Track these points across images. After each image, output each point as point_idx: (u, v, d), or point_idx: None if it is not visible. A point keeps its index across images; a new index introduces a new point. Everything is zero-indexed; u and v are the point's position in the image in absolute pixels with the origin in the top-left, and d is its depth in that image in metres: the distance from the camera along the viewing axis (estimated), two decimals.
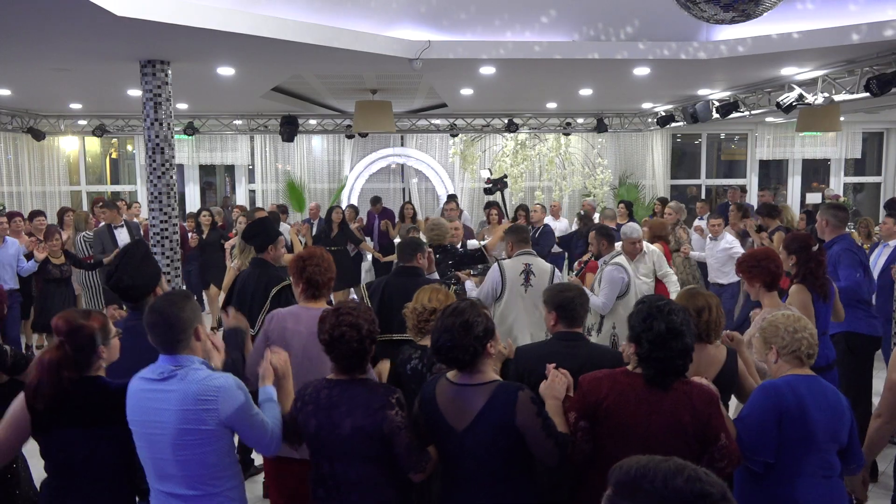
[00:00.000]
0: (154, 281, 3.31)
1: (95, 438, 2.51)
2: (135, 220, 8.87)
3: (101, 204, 8.38)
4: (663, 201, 9.89)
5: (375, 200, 10.65)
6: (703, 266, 7.62)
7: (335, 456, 2.53)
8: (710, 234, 7.29)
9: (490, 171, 11.06)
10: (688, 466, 1.22)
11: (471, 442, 2.44)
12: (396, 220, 10.28)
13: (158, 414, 2.41)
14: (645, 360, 2.44)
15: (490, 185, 8.94)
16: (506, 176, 9.46)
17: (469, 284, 5.21)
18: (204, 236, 8.91)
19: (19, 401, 2.54)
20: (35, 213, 8.13)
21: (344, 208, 9.53)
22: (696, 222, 8.49)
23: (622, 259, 5.14)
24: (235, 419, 2.45)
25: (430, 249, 4.72)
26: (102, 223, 7.84)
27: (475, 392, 2.48)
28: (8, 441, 2.54)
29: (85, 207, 12.38)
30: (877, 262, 6.14)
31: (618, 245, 5.60)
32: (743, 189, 13.49)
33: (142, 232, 7.84)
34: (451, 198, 10.35)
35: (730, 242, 7.14)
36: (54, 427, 2.51)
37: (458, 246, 6.00)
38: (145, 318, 2.53)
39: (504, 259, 4.95)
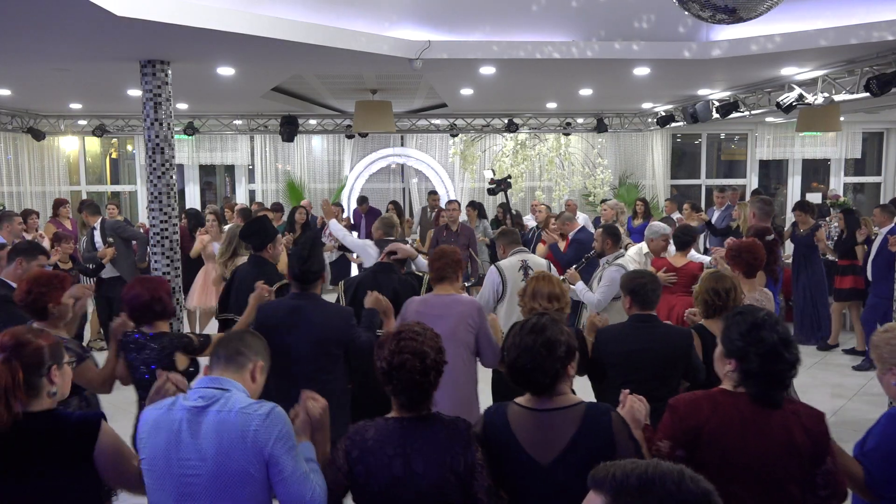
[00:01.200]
0: (323, 268, 3.70)
1: (28, 491, 2.04)
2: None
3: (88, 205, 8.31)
4: (676, 200, 10.29)
5: (361, 200, 10.70)
6: None
7: None
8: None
9: (493, 171, 11.07)
10: (684, 468, 1.22)
11: (562, 476, 2.09)
12: None
13: (194, 451, 2.04)
14: (753, 377, 2.18)
15: (493, 186, 8.95)
16: (509, 177, 9.47)
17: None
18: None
19: None
20: (28, 213, 8.10)
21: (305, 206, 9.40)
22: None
23: (625, 261, 5.16)
24: (278, 455, 2.05)
25: (417, 239, 4.81)
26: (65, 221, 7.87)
27: (561, 418, 2.14)
28: None
29: None
30: (871, 251, 6.95)
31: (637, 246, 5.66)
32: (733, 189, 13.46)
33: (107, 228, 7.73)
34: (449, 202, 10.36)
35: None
36: None
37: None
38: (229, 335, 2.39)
39: (500, 261, 5.00)
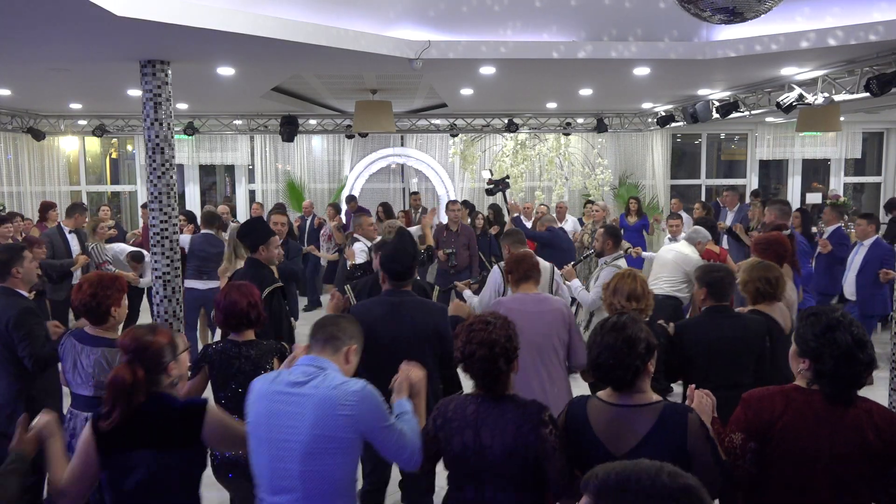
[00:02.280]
0: (415, 263, 3.84)
1: (154, 461, 2.35)
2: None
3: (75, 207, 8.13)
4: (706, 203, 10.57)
5: (350, 199, 10.75)
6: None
7: (483, 480, 2.33)
8: (668, 235, 7.97)
9: (491, 171, 11.07)
10: (664, 464, 1.24)
11: None
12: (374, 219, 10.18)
13: (293, 419, 2.28)
14: (827, 377, 2.23)
15: (491, 186, 8.94)
16: (507, 177, 9.46)
17: (468, 293, 5.26)
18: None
19: (86, 429, 2.41)
20: (12, 215, 7.95)
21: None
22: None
23: (623, 262, 5.18)
24: (376, 429, 2.30)
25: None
26: (53, 226, 7.60)
27: (639, 414, 2.27)
28: (77, 469, 2.38)
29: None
30: (853, 260, 7.10)
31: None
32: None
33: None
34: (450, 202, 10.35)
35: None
36: (114, 449, 2.36)
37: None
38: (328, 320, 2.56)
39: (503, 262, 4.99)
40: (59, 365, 3.51)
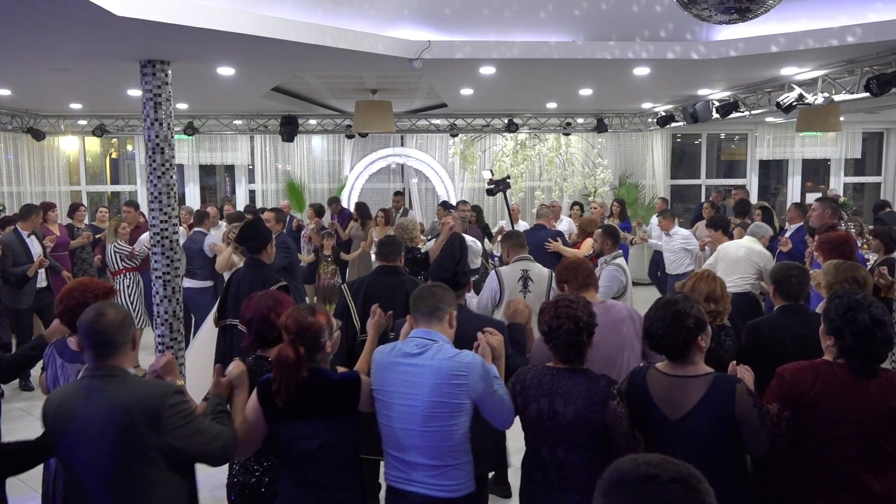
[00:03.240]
0: (469, 272, 4.04)
1: (327, 429, 2.59)
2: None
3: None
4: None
5: (332, 201, 10.76)
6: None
7: (556, 441, 2.62)
8: (663, 231, 8.33)
9: (492, 171, 11.08)
10: (652, 456, 1.32)
11: (687, 430, 2.52)
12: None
13: (413, 386, 2.58)
14: (849, 352, 2.55)
15: (492, 186, 8.95)
16: (508, 177, 9.47)
17: (468, 295, 5.25)
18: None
19: (253, 397, 2.65)
20: None
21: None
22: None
23: (622, 261, 5.17)
24: (484, 395, 2.59)
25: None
26: (10, 229, 7.26)
27: (692, 383, 2.55)
28: (250, 432, 2.63)
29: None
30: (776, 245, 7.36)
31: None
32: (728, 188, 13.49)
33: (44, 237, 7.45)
34: (461, 202, 10.33)
35: (684, 237, 8.21)
36: (286, 421, 2.59)
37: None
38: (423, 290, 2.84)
39: (502, 266, 4.99)
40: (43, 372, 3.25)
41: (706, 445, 2.50)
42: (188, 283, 7.34)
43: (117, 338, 2.42)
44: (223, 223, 8.59)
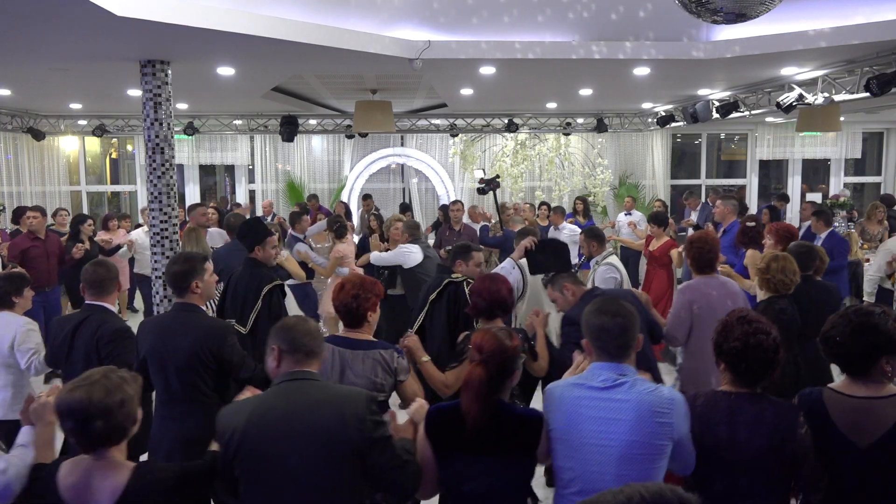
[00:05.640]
0: None
1: (503, 468, 2.34)
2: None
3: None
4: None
5: (311, 197, 10.84)
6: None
7: (737, 473, 2.34)
8: (552, 225, 8.86)
9: (484, 171, 11.11)
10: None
11: (881, 458, 2.26)
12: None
13: (607, 424, 2.26)
14: None
15: (483, 186, 9.01)
16: (498, 176, 9.49)
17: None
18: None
19: (421, 430, 2.43)
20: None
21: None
22: None
23: (614, 259, 5.17)
24: (683, 435, 2.29)
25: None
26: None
27: (883, 405, 2.29)
28: (425, 470, 2.40)
29: (85, 208, 12.39)
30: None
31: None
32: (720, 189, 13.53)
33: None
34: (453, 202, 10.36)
35: (572, 231, 8.58)
36: (459, 454, 2.35)
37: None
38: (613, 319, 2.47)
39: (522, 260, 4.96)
40: None
41: None
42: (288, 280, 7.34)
43: (317, 348, 2.43)
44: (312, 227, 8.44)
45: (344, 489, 2.25)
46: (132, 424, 2.16)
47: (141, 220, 8.50)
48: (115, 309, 3.64)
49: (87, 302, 3.60)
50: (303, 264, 6.94)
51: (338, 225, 7.28)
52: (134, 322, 4.41)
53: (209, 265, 3.40)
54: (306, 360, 2.37)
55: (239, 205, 11.18)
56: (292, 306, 5.36)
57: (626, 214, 10.28)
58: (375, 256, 6.52)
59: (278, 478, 2.22)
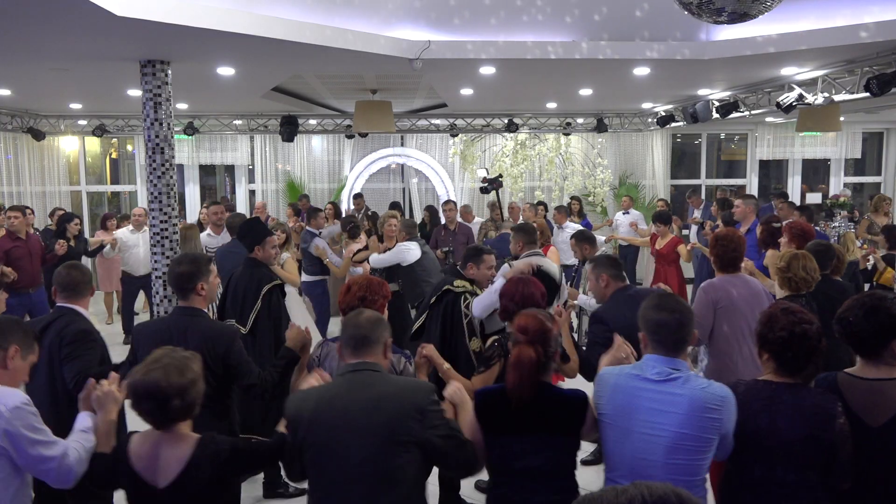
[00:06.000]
0: None
1: (548, 446, 2.45)
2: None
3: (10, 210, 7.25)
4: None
5: (302, 197, 10.88)
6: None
7: (775, 461, 2.41)
8: (555, 224, 8.91)
9: (487, 170, 11.13)
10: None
11: (892, 438, 2.37)
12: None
13: (659, 415, 2.35)
14: None
15: (486, 185, 9.02)
16: (501, 175, 9.51)
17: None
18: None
19: (468, 413, 2.54)
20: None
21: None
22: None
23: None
24: (729, 431, 2.39)
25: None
26: None
27: (893, 386, 2.41)
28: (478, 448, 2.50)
29: (85, 208, 12.39)
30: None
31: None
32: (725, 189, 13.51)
33: None
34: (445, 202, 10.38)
35: (575, 230, 8.65)
36: (506, 433, 2.46)
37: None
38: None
39: (514, 260, 4.97)
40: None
41: None
42: (304, 277, 7.40)
43: (373, 335, 2.50)
44: (332, 224, 8.47)
45: (407, 481, 2.33)
46: (201, 400, 2.34)
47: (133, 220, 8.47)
48: (86, 313, 3.48)
49: (58, 304, 3.45)
50: (318, 261, 7.14)
51: (351, 225, 7.36)
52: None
53: (214, 267, 3.39)
54: (364, 349, 2.46)
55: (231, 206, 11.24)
56: (292, 306, 5.37)
57: (623, 214, 10.46)
58: (375, 259, 6.55)
59: (342, 468, 2.32)
